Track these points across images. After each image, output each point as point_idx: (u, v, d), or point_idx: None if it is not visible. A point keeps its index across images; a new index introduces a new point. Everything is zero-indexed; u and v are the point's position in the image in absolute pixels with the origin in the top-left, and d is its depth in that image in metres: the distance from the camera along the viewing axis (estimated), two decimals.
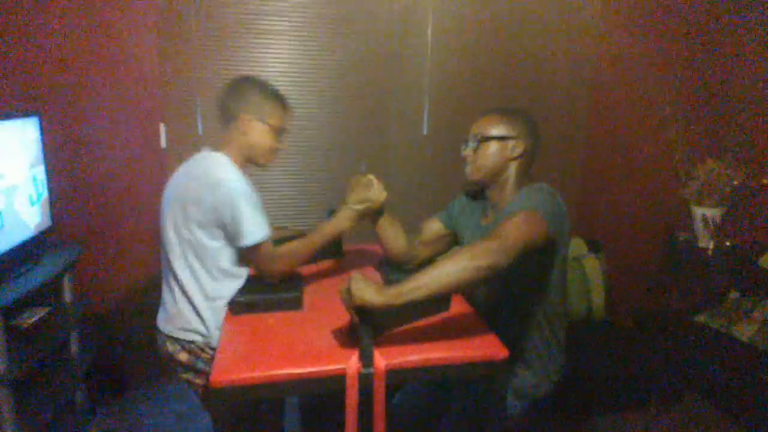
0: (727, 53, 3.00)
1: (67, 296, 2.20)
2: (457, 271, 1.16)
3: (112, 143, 2.43)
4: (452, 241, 1.73)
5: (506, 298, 1.49)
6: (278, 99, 1.60)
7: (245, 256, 1.55)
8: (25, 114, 2.09)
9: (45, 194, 2.17)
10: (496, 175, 1.50)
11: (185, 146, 2.46)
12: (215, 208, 1.46)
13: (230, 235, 1.50)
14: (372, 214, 1.63)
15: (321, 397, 1.93)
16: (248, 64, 2.51)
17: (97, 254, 2.46)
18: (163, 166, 2.47)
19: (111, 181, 2.46)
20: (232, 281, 1.56)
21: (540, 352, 1.48)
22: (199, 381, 1.60)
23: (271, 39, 2.52)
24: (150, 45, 2.38)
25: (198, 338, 1.56)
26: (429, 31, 2.69)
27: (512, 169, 1.49)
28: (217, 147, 1.61)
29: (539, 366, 1.49)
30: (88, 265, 2.41)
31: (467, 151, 1.52)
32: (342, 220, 1.58)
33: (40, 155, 2.14)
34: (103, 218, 2.47)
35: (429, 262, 1.72)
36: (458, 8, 2.69)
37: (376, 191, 1.58)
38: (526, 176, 1.52)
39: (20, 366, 1.76)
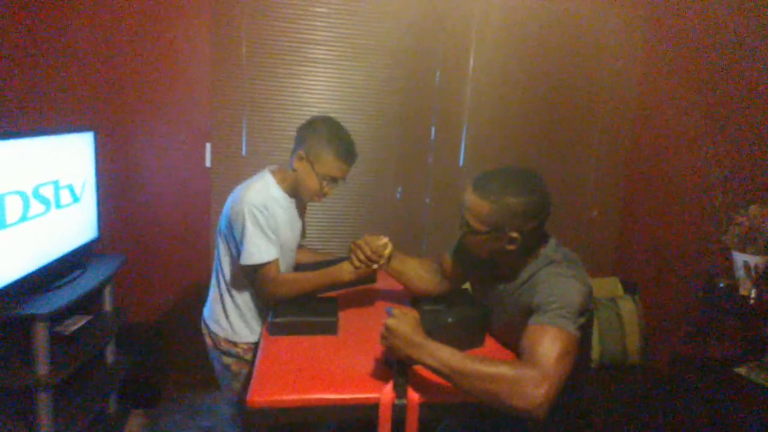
0: None
1: (108, 306, 2.27)
2: (486, 394, 1.08)
3: (160, 160, 2.53)
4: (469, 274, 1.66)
5: None
6: (337, 149, 1.58)
7: (246, 274, 1.62)
8: (82, 129, 2.20)
9: (94, 206, 2.26)
10: (499, 257, 1.37)
11: (229, 166, 2.55)
12: (231, 221, 1.57)
13: (237, 250, 1.58)
14: (373, 271, 1.62)
15: (352, 426, 1.92)
16: (293, 90, 2.59)
17: (139, 266, 2.54)
18: (207, 184, 2.55)
19: (156, 197, 2.55)
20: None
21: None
22: (219, 362, 1.73)
23: (315, 67, 2.60)
24: (202, 68, 2.49)
25: (220, 331, 1.70)
26: (470, 63, 2.73)
27: (515, 251, 1.33)
28: (275, 167, 1.70)
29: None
30: (129, 276, 2.49)
31: (460, 228, 1.39)
32: (344, 273, 1.58)
33: (93, 169, 2.24)
34: (146, 232, 2.56)
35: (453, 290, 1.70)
36: (499, 43, 2.73)
37: (385, 255, 1.58)
38: (536, 243, 1.36)
39: (61, 371, 1.81)
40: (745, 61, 2.89)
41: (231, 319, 1.68)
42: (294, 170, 1.62)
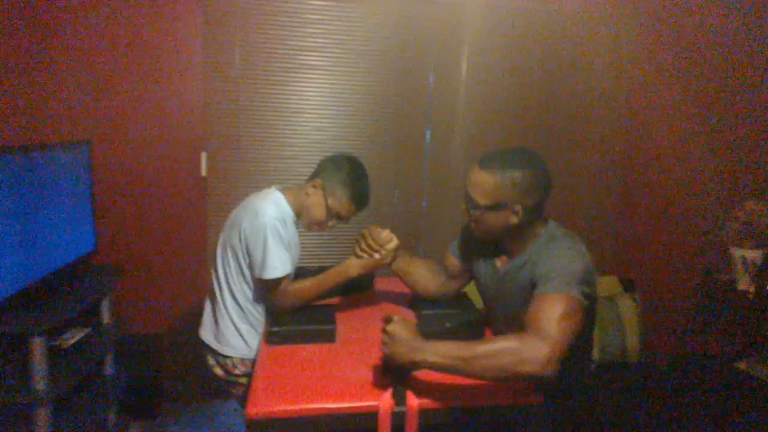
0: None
1: (105, 318, 2.26)
2: (495, 371, 1.10)
3: (155, 170, 2.52)
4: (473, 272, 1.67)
5: None
6: (353, 192, 1.62)
7: (261, 286, 1.61)
8: (78, 141, 2.20)
9: (90, 218, 2.25)
10: (502, 235, 1.41)
11: (224, 175, 2.54)
12: (248, 236, 1.55)
13: (253, 265, 1.57)
14: (380, 266, 1.63)
15: None
16: (287, 97, 2.58)
17: (136, 278, 2.53)
18: (202, 194, 2.54)
19: (152, 207, 2.54)
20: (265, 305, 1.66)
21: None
22: (235, 391, 1.69)
23: (309, 73, 2.59)
24: (195, 76, 2.48)
25: (233, 353, 1.65)
26: (464, 67, 2.73)
27: (518, 227, 1.37)
28: (284, 186, 1.70)
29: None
30: (126, 288, 2.48)
31: (464, 210, 1.43)
32: (350, 268, 1.60)
33: (89, 180, 2.23)
34: (142, 242, 2.55)
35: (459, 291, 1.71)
36: (492, 46, 2.73)
37: (388, 249, 1.59)
38: (537, 220, 1.41)
39: (59, 386, 1.80)
40: (738, 59, 2.91)
41: (246, 337, 1.64)
42: (306, 194, 1.65)
